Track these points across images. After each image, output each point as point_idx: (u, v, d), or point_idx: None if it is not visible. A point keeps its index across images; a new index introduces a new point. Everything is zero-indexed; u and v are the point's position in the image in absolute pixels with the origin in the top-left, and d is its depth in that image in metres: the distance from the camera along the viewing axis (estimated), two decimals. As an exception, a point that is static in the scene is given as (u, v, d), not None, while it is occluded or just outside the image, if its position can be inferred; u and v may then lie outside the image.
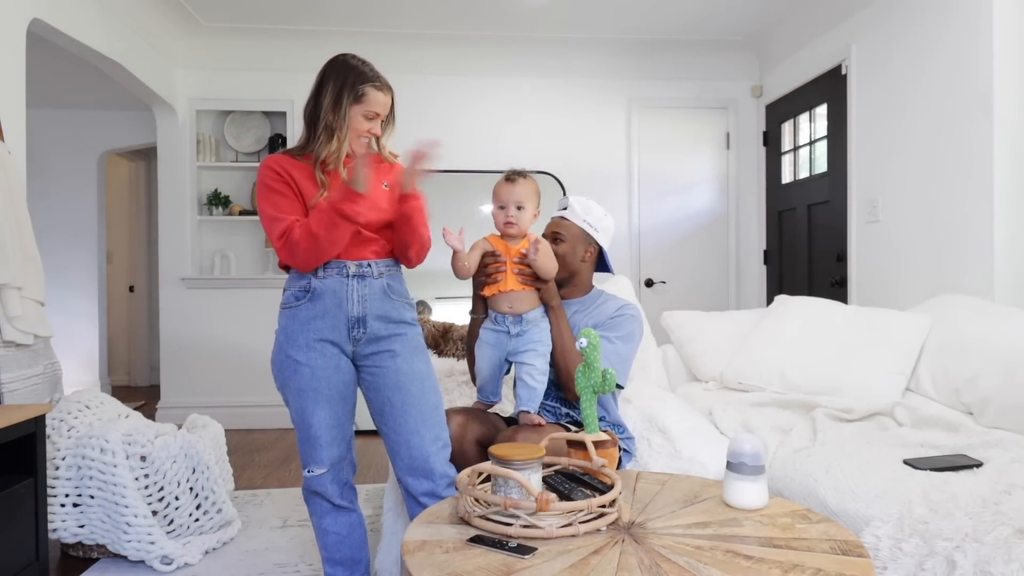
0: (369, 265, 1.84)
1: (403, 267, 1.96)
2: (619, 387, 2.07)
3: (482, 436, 1.97)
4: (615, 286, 3.10)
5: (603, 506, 1.40)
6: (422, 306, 4.76)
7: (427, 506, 1.81)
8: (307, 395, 1.82)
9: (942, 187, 3.26)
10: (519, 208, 1.97)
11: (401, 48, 4.88)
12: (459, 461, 1.93)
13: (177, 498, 2.58)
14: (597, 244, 2.20)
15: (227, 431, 4.64)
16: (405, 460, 1.86)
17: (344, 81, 1.81)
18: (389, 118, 1.91)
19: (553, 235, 2.17)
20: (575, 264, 2.16)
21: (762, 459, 1.53)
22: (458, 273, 1.98)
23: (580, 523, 1.36)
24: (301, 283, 1.83)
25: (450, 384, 2.78)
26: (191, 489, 2.62)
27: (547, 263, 1.96)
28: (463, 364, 2.89)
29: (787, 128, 4.82)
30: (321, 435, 1.84)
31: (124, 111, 5.78)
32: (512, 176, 2.00)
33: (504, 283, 1.97)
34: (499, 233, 2.02)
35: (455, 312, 3.49)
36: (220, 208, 4.98)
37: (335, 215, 1.71)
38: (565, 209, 2.19)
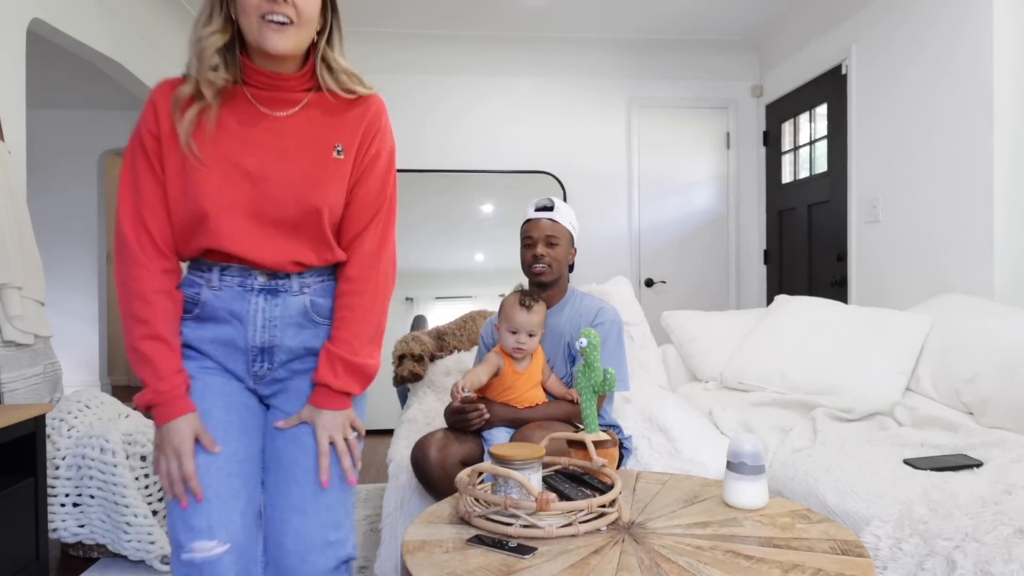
0: (288, 278, 1.25)
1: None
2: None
3: (466, 456, 1.95)
4: (615, 286, 3.11)
5: (603, 506, 1.40)
6: (419, 321, 4.45)
7: None
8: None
9: (942, 187, 3.26)
10: (531, 335, 1.97)
11: (401, 48, 4.87)
12: (443, 482, 1.90)
13: (177, 498, 2.57)
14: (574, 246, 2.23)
15: (227, 431, 4.62)
16: (274, 546, 1.23)
17: None
18: (331, 17, 1.26)
19: (547, 239, 2.13)
20: (563, 268, 2.17)
21: (762, 459, 1.53)
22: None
23: (580, 523, 1.35)
24: (190, 290, 1.25)
25: (448, 383, 2.75)
26: (191, 489, 2.61)
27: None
28: (460, 363, 2.87)
29: (787, 128, 4.82)
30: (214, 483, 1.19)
31: (124, 111, 5.78)
32: (528, 303, 1.98)
33: (518, 400, 1.99)
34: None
35: (454, 312, 3.46)
36: (220, 208, 4.96)
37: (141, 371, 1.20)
38: (550, 210, 2.16)
